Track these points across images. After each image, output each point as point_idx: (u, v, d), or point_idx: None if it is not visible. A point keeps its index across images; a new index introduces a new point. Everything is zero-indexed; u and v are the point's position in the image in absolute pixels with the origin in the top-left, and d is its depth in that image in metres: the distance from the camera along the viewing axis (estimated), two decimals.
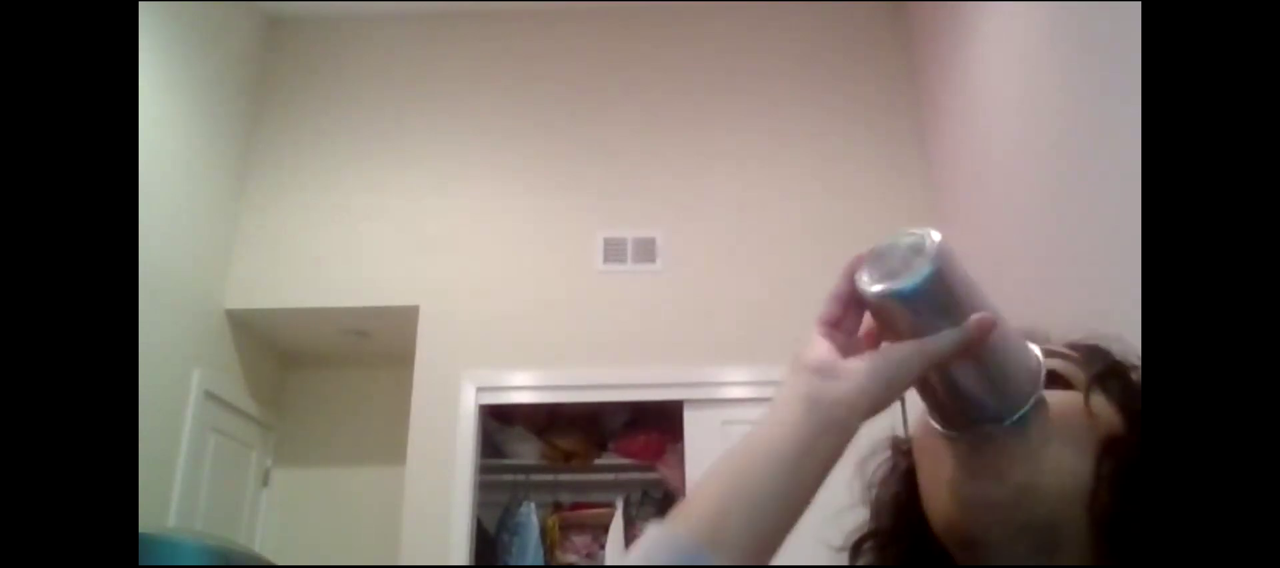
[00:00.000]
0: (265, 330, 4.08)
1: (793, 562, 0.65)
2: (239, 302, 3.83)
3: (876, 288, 0.54)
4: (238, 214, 3.95)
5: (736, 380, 3.57)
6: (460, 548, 3.33)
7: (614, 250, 3.82)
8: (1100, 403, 0.57)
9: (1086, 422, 0.56)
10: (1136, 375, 0.60)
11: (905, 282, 0.53)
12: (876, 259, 0.55)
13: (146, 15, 3.27)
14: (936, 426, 0.59)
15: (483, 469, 3.59)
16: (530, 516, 3.87)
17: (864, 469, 0.69)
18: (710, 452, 3.52)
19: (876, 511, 0.68)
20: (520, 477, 3.97)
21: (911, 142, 3.94)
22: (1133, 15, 2.10)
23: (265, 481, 4.17)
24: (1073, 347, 0.63)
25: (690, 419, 3.54)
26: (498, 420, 3.97)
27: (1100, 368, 0.59)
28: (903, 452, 0.67)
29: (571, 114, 4.10)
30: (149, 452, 3.14)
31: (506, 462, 3.95)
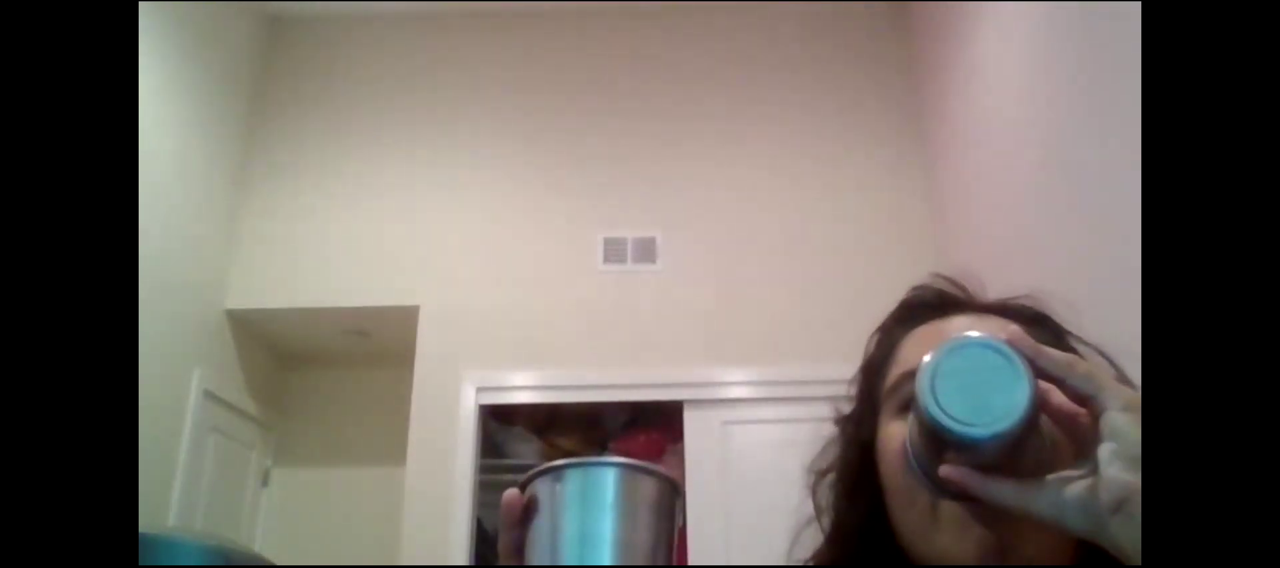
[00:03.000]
0: (265, 330, 4.08)
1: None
2: (239, 302, 3.83)
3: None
4: (238, 214, 3.95)
5: (736, 380, 3.57)
6: (460, 548, 3.33)
7: (614, 250, 3.82)
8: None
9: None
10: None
11: None
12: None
13: (146, 15, 3.27)
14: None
15: (483, 469, 3.59)
16: None
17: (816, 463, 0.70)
18: (710, 452, 3.55)
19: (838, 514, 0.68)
20: (520, 477, 3.96)
21: (912, 140, 3.94)
22: (1133, 15, 2.10)
23: (265, 481, 4.17)
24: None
25: (690, 419, 3.54)
26: (498, 420, 3.97)
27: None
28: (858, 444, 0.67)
29: (572, 114, 4.10)
30: (149, 452, 3.14)
31: (506, 462, 3.94)
